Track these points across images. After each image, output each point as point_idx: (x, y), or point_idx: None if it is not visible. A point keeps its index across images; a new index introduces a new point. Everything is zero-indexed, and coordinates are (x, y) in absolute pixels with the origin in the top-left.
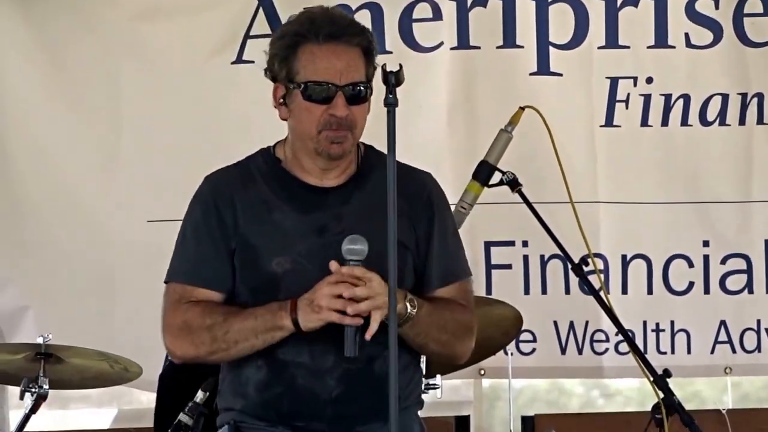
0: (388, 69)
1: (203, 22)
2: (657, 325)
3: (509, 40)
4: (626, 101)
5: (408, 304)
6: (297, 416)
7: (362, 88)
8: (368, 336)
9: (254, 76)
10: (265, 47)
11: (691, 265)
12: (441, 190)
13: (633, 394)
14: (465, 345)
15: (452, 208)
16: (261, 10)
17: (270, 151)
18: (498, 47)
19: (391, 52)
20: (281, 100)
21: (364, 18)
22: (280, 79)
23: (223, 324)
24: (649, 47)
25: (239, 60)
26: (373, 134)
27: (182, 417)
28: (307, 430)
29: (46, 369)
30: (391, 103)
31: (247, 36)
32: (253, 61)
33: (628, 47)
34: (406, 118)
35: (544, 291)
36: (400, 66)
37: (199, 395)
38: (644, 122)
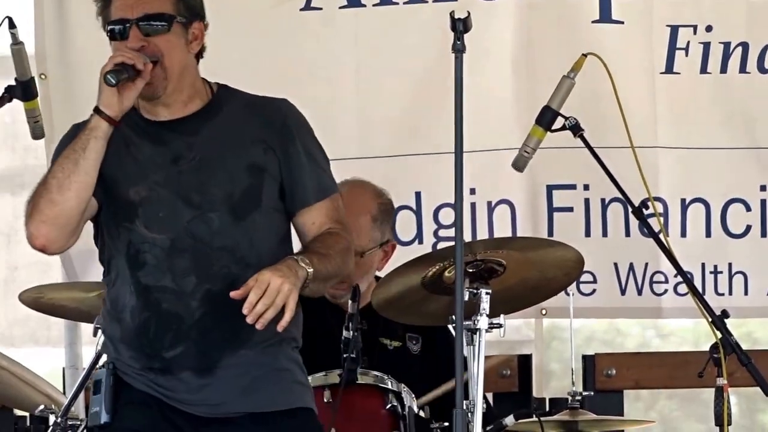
0: (456, 16)
1: None
2: (715, 267)
3: None
4: (686, 49)
5: (304, 266)
6: (164, 341)
7: (159, 20)
8: (283, 325)
9: (322, 22)
10: None
11: (748, 208)
12: (298, 113)
13: (687, 334)
14: (349, 265)
15: (516, 152)
16: None
17: None
18: None
19: (456, 0)
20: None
21: None
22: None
23: (49, 170)
24: None
25: (307, 7)
26: (438, 78)
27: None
28: (173, 359)
29: None
30: (458, 50)
31: None
32: (321, 8)
33: None
34: (472, 65)
35: (604, 233)
36: (468, 13)
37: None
38: (703, 69)
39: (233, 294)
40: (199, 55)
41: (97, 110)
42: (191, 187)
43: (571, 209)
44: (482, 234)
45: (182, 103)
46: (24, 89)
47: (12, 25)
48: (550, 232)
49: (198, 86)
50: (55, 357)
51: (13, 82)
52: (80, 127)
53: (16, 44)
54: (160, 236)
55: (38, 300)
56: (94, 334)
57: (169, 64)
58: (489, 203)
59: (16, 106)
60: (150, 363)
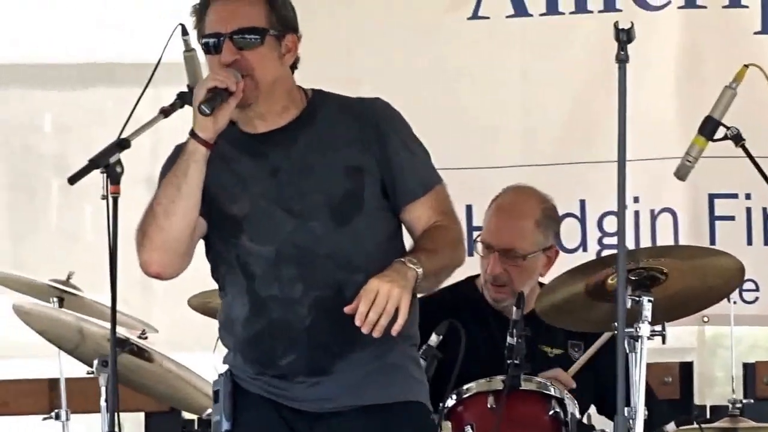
0: (620, 26)
1: None
2: None
3: None
4: None
5: (412, 267)
6: (277, 350)
7: (252, 33)
8: (397, 329)
9: (490, 31)
10: (500, 3)
11: None
12: (391, 109)
13: None
14: (461, 256)
15: (680, 160)
16: None
17: None
18: (724, 6)
19: (620, 10)
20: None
21: None
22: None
23: (154, 198)
24: None
25: (475, 16)
26: (601, 87)
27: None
28: (287, 366)
29: None
30: (622, 60)
31: None
32: (488, 18)
33: None
34: (635, 74)
35: (766, 242)
36: (632, 24)
37: (433, 338)
38: None
39: (346, 309)
40: (293, 65)
41: (193, 134)
42: (291, 197)
43: (732, 218)
44: (645, 242)
45: (277, 114)
46: None
47: (185, 32)
48: (712, 241)
49: (293, 96)
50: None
51: (185, 89)
52: (182, 148)
53: (189, 51)
54: (265, 248)
55: (206, 305)
56: None
57: (260, 77)
58: (652, 211)
59: (188, 112)
60: (265, 370)
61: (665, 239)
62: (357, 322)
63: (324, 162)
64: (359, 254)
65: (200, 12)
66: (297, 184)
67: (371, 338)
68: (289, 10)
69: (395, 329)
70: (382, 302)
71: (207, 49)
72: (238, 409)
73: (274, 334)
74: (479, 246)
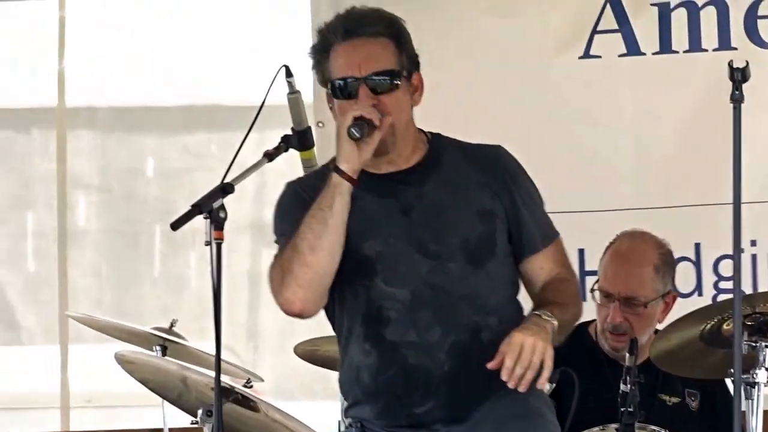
0: (734, 65)
1: (552, 16)
2: None
3: None
4: None
5: (548, 318)
6: (413, 397)
7: (388, 76)
8: (543, 383)
9: (602, 71)
10: (612, 42)
11: None
12: (514, 158)
13: None
14: (581, 309)
15: None
16: (608, 5)
17: None
18: None
19: (736, 49)
20: (330, 105)
21: (709, 15)
22: (321, 84)
23: (297, 234)
24: None
25: (586, 55)
26: (716, 127)
27: None
28: (424, 415)
29: None
30: (737, 99)
31: (594, 31)
32: (600, 56)
33: None
34: (751, 114)
35: None
36: (747, 63)
37: (546, 386)
38: None
39: (491, 365)
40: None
41: (336, 169)
42: (426, 237)
43: None
44: (764, 286)
45: (405, 157)
46: (300, 138)
47: (289, 73)
48: None
49: (417, 137)
50: (331, 410)
51: (289, 132)
52: (297, 186)
53: (293, 93)
54: (400, 290)
55: (314, 353)
56: None
57: (397, 121)
58: None
59: (292, 156)
60: (399, 420)
61: None
62: (504, 377)
63: (456, 203)
64: (492, 297)
65: (322, 53)
66: (431, 225)
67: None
68: (412, 47)
69: (541, 383)
70: (528, 356)
71: (338, 94)
72: None
73: (411, 381)
74: (597, 294)
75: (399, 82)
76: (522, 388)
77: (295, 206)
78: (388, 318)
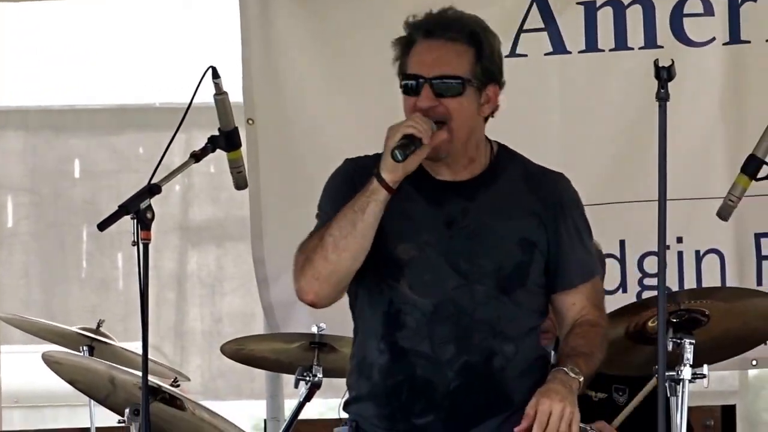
0: (660, 64)
1: (478, 15)
2: None
3: None
4: None
5: (574, 375)
6: (414, 407)
7: (453, 81)
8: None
9: (528, 69)
10: (538, 41)
11: None
12: (573, 190)
13: None
14: (605, 353)
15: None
16: (534, 4)
17: None
18: (767, 40)
19: (662, 47)
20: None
21: (635, 13)
22: (397, 75)
23: (327, 227)
24: None
25: (513, 54)
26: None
27: None
28: (422, 426)
29: (320, 358)
30: (662, 98)
31: (520, 30)
32: (525, 55)
33: None
34: (676, 112)
35: None
36: (672, 61)
37: None
38: None
39: (517, 430)
40: (489, 115)
41: (378, 176)
42: (461, 254)
43: None
44: (690, 283)
45: (463, 166)
46: (227, 139)
47: (216, 75)
48: (759, 281)
49: (481, 148)
50: (257, 409)
51: (216, 132)
52: (352, 165)
53: (220, 94)
54: (423, 300)
55: (240, 352)
56: (296, 386)
57: (456, 128)
58: (697, 252)
59: (219, 156)
60: (396, 426)
61: (712, 280)
62: None
63: (500, 227)
64: (514, 325)
65: (404, 47)
66: (469, 243)
67: (508, 405)
68: (495, 62)
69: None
70: (555, 426)
71: (405, 90)
72: None
73: (415, 391)
74: None
75: (464, 89)
76: None
77: (344, 186)
78: (404, 323)
